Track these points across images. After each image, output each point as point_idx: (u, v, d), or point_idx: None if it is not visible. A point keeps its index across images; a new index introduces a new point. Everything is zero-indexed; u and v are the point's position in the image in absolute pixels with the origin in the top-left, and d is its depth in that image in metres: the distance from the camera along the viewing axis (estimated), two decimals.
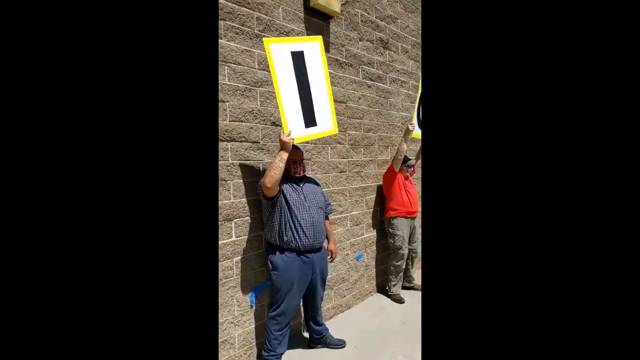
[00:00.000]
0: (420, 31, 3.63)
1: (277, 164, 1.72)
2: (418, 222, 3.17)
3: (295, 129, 1.80)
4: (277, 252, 1.87)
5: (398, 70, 3.32)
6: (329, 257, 2.14)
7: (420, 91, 2.77)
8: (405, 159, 2.95)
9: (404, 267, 2.97)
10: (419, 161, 3.14)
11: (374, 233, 3.08)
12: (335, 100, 2.63)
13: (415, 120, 2.78)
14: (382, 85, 3.12)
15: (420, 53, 3.64)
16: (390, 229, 2.95)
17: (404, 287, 3.15)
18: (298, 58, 1.79)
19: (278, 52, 1.71)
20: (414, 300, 2.96)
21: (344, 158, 2.74)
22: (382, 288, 3.12)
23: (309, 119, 1.87)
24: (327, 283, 2.60)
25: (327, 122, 1.98)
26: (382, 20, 3.09)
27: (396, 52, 3.29)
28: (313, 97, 1.87)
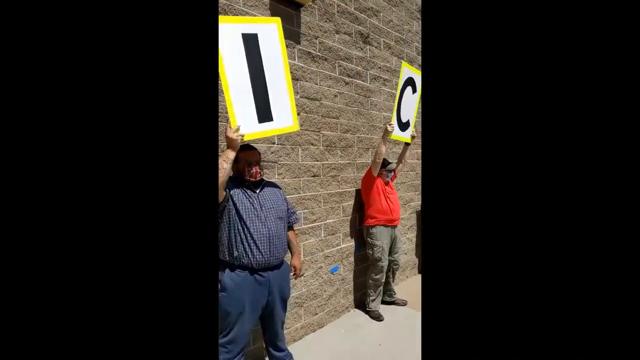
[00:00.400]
0: (404, 26, 3.41)
1: (221, 165, 1.46)
2: (401, 231, 2.93)
3: (245, 124, 1.53)
4: (227, 270, 1.61)
5: (380, 67, 3.09)
6: (292, 274, 1.88)
7: (399, 89, 2.54)
8: (385, 163, 2.71)
9: (383, 280, 2.72)
10: (402, 165, 2.90)
11: (352, 243, 2.82)
12: (307, 97, 2.39)
13: (394, 121, 2.54)
14: (361, 82, 2.88)
15: (404, 50, 3.41)
16: (368, 239, 2.70)
17: (384, 302, 2.90)
18: (251, 41, 1.51)
19: (226, 33, 1.43)
20: (394, 317, 2.71)
21: (317, 161, 2.49)
22: (362, 303, 2.87)
23: (263, 113, 1.58)
24: (295, 300, 2.34)
25: (285, 118, 1.66)
26: (362, 13, 2.85)
27: (378, 48, 3.06)
28: (269, 88, 1.59)
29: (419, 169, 3.73)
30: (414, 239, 3.68)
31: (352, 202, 2.82)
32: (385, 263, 2.67)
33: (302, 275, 2.23)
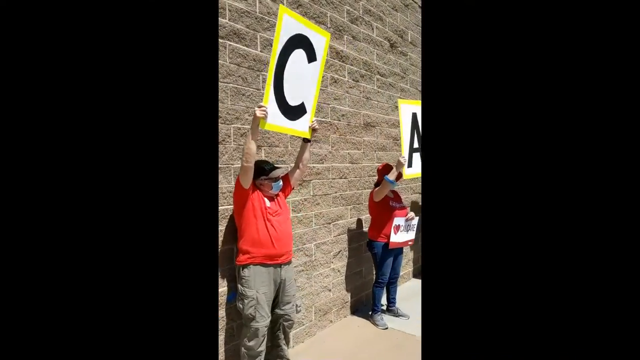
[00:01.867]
0: None
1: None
2: (322, 261, 1.97)
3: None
4: None
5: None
6: None
7: (276, 51, 1.60)
8: (267, 167, 1.77)
9: (261, 349, 1.77)
10: (300, 171, 1.95)
11: (224, 288, 1.88)
12: None
13: (269, 103, 1.60)
14: (245, 48, 1.95)
15: (327, 12, 2.49)
16: (239, 285, 1.76)
17: None
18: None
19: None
20: None
21: None
22: None
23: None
24: None
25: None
26: None
27: (279, 2, 2.13)
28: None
29: (351, 176, 2.81)
30: (343, 269, 2.75)
31: (223, 226, 1.88)
32: (262, 323, 1.73)
33: None
